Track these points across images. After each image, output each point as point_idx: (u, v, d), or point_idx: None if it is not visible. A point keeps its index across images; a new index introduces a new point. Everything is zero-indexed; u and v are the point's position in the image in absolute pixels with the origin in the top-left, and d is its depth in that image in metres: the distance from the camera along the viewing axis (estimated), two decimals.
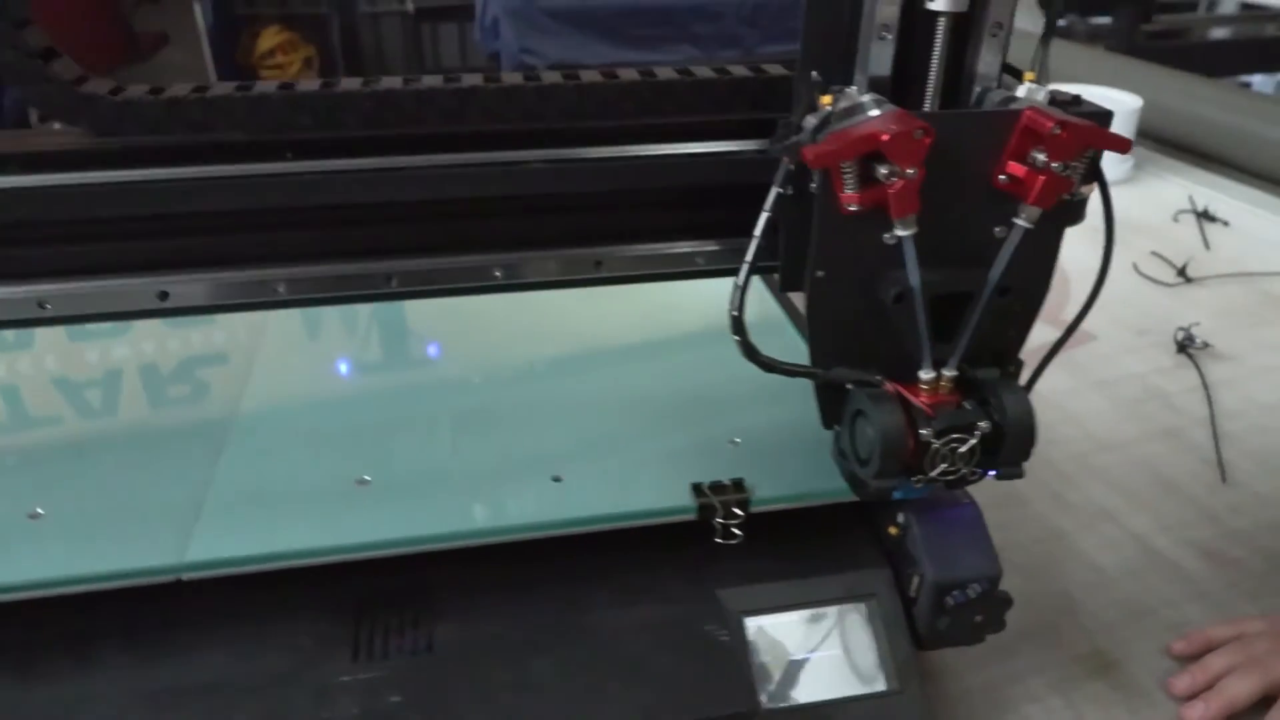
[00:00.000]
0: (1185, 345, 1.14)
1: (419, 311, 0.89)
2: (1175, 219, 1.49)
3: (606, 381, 0.79)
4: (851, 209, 0.51)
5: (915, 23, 0.53)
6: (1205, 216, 1.48)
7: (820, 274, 0.55)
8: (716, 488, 0.65)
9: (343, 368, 0.83)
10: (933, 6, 0.52)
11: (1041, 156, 0.51)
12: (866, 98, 0.52)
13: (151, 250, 0.59)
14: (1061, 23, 2.56)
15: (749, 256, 0.54)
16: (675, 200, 0.64)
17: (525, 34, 2.89)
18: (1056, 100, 0.56)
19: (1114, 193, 0.56)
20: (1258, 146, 1.62)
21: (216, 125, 0.57)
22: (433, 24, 4.14)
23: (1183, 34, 3.47)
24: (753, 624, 0.64)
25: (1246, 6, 3.33)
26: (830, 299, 0.56)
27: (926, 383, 0.56)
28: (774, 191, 0.54)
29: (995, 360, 0.59)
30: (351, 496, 0.65)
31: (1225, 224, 1.47)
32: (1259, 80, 2.86)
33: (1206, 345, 1.14)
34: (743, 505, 0.64)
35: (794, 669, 0.63)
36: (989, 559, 0.64)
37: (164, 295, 0.59)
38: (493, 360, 0.83)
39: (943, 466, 0.56)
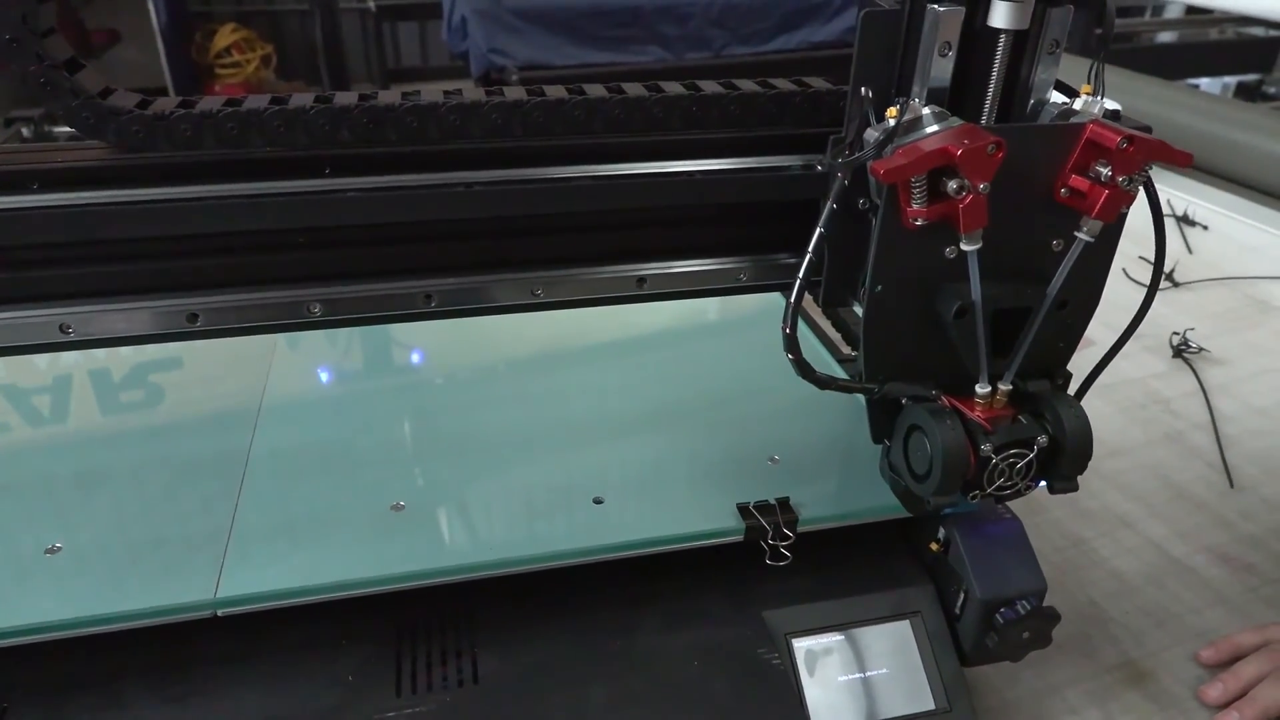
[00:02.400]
0: (1181, 350, 1.15)
1: (444, 330, 0.86)
2: None
3: (639, 400, 0.78)
4: (917, 224, 0.51)
5: (976, 39, 0.53)
6: (1185, 221, 1.51)
7: (879, 289, 0.54)
8: (763, 508, 0.64)
9: (365, 388, 0.80)
10: (995, 24, 0.52)
11: (1105, 170, 0.51)
12: (927, 111, 0.51)
13: (180, 271, 0.56)
14: None
15: (801, 273, 0.53)
16: (718, 216, 0.63)
17: (494, 34, 2.85)
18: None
19: None
20: (1232, 152, 1.66)
21: (251, 140, 0.54)
22: (393, 22, 4.08)
23: (1133, 38, 3.56)
24: (800, 645, 0.63)
25: (1191, 10, 3.42)
26: (888, 314, 0.55)
27: (982, 397, 0.56)
28: (828, 208, 0.53)
29: (1044, 372, 0.59)
30: (387, 523, 0.62)
31: (1204, 228, 1.50)
32: (1205, 83, 2.93)
33: (1202, 350, 1.16)
34: (792, 526, 0.63)
35: (843, 690, 0.62)
36: (1035, 574, 0.64)
37: (193, 317, 0.57)
38: (522, 379, 0.81)
39: (1000, 481, 0.56)
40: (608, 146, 0.59)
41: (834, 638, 0.64)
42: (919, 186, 0.50)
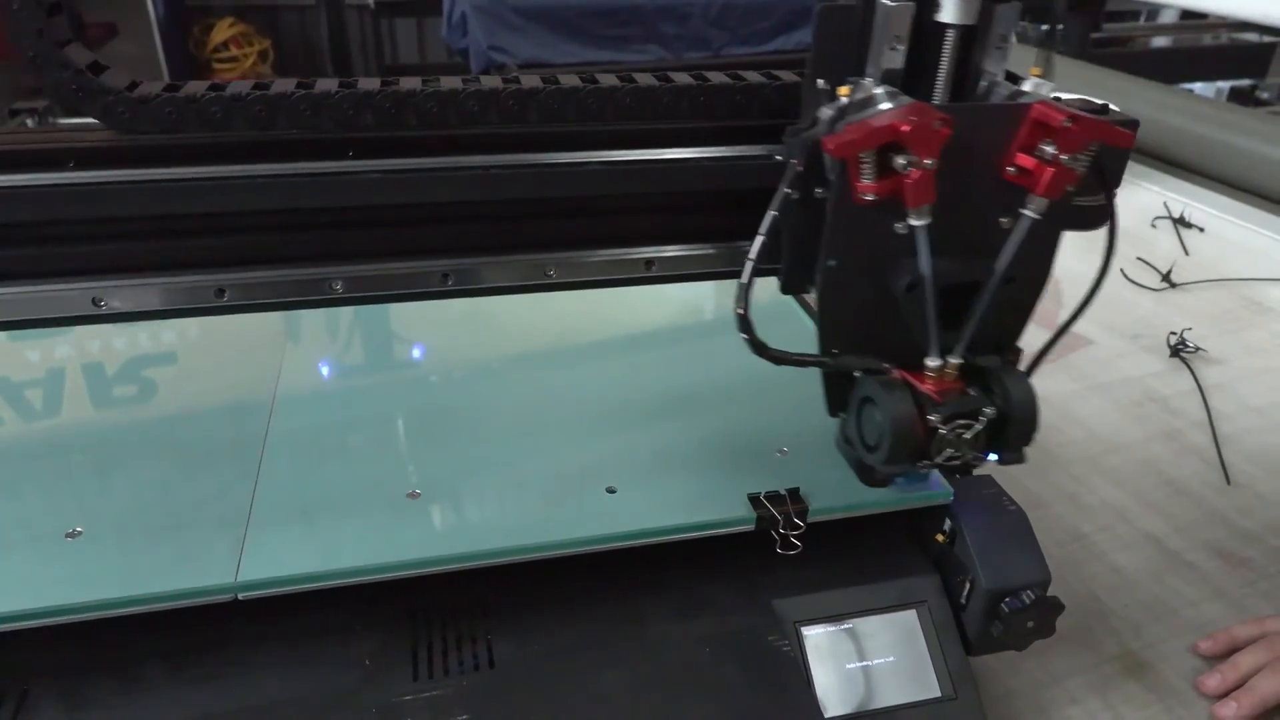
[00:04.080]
0: (1179, 349, 1.17)
1: (460, 319, 0.88)
2: (1153, 225, 1.53)
3: (650, 391, 0.78)
4: (868, 198, 0.52)
5: (926, 32, 0.54)
6: (1181, 223, 1.52)
7: (832, 263, 0.56)
8: (773, 498, 0.64)
9: (380, 376, 0.81)
10: (942, 19, 0.53)
11: (1050, 149, 0.52)
12: (879, 90, 0.52)
13: (209, 248, 0.57)
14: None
15: (752, 254, 0.54)
16: (724, 202, 0.64)
17: (494, 31, 2.85)
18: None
19: None
20: (1227, 155, 1.67)
21: (278, 123, 0.55)
22: (391, 19, 4.07)
23: (1128, 42, 3.58)
24: (809, 633, 0.64)
25: (1186, 15, 3.45)
26: (841, 288, 0.57)
27: (933, 370, 0.57)
28: (781, 191, 0.54)
29: (995, 348, 0.60)
30: (403, 510, 0.63)
31: (1201, 230, 1.51)
32: (1199, 88, 2.95)
33: (1199, 350, 1.17)
34: (802, 516, 0.64)
35: (851, 678, 0.63)
36: (1040, 565, 0.65)
37: (220, 292, 0.58)
38: (536, 369, 0.82)
39: (949, 452, 0.57)
40: (618, 133, 0.60)
41: (842, 626, 0.65)
42: (868, 162, 0.51)
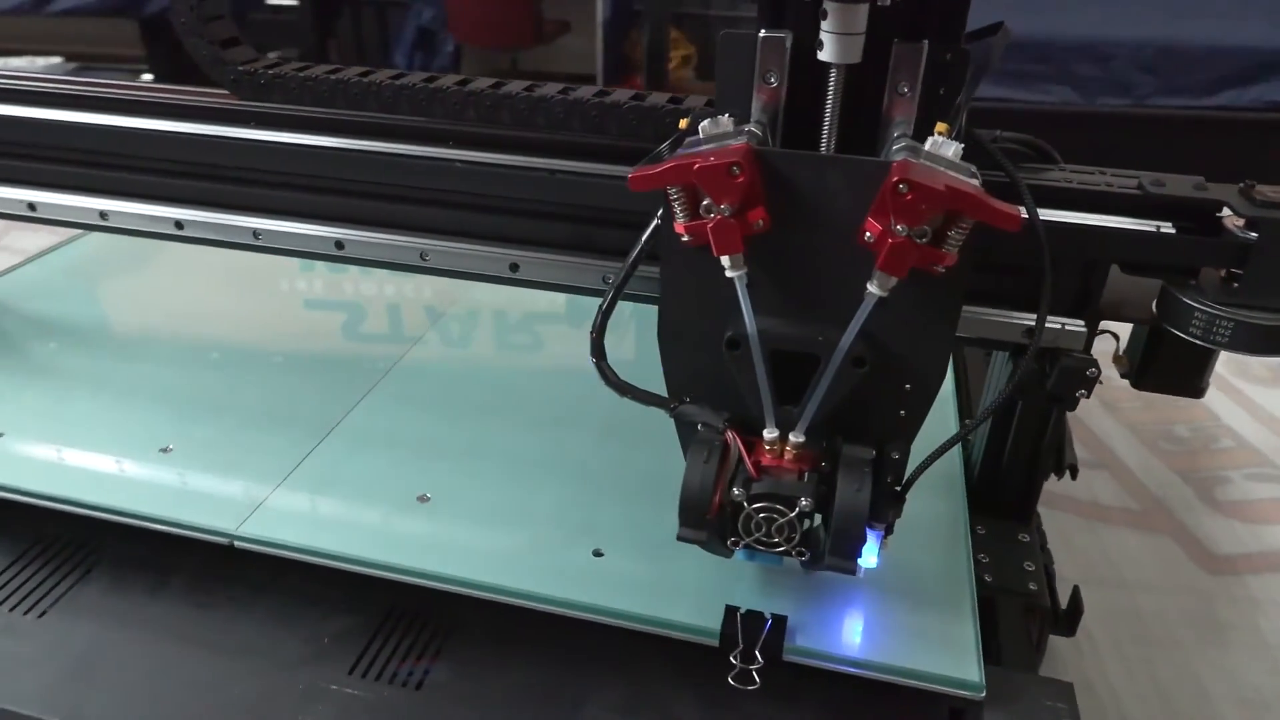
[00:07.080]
0: None
1: (546, 351, 0.89)
2: None
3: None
4: (684, 239, 0.47)
5: (814, 72, 0.48)
6: None
7: (668, 301, 0.51)
8: (752, 619, 0.55)
9: (464, 393, 0.80)
10: (824, 58, 0.47)
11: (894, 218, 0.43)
12: (733, 127, 0.47)
13: (331, 205, 0.66)
14: None
15: (616, 283, 0.51)
16: None
17: None
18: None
19: None
20: None
21: (400, 109, 0.62)
22: None
23: None
24: None
25: None
26: (678, 330, 0.52)
27: (770, 443, 0.50)
28: (655, 222, 0.50)
29: (876, 439, 0.51)
30: (405, 511, 0.64)
31: None
32: None
33: None
34: (773, 652, 0.54)
35: None
36: None
37: (340, 245, 0.66)
38: (599, 410, 0.76)
39: (757, 534, 0.50)
40: None
41: None
42: (679, 200, 0.46)
